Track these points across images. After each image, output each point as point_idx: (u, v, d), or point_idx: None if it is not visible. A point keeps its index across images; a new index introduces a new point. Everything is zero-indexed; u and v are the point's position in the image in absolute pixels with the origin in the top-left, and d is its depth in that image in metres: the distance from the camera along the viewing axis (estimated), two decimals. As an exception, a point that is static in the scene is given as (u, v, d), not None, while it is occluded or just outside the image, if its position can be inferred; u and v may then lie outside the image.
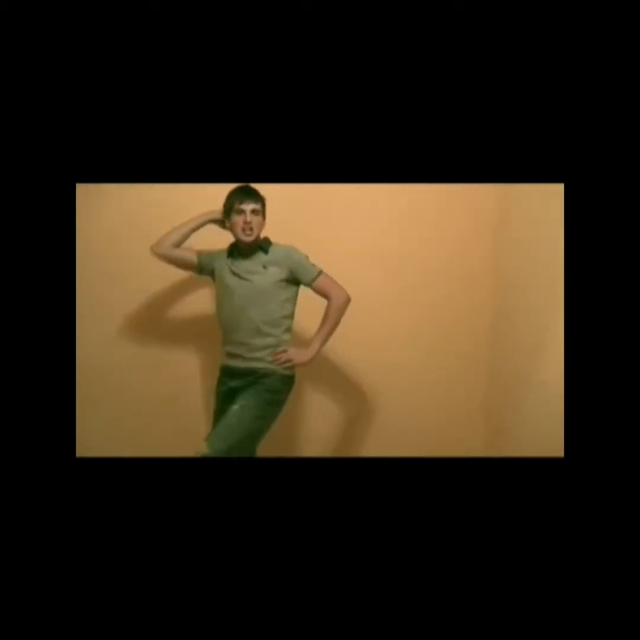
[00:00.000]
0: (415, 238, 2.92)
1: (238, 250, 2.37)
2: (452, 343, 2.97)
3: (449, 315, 2.95)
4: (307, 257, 2.36)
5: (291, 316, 2.38)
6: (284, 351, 2.32)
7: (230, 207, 2.32)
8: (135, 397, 2.75)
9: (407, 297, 2.92)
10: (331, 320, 2.33)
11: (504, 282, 2.86)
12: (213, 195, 2.69)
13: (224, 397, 2.37)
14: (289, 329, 2.38)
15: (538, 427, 2.43)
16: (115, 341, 2.72)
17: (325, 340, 2.34)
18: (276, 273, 2.32)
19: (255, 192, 2.33)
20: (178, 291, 2.76)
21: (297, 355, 2.32)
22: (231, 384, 2.36)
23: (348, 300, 2.34)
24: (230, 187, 2.65)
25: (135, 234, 2.71)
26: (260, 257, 2.34)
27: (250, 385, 2.30)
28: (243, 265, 2.35)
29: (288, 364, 2.31)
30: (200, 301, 2.77)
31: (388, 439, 2.94)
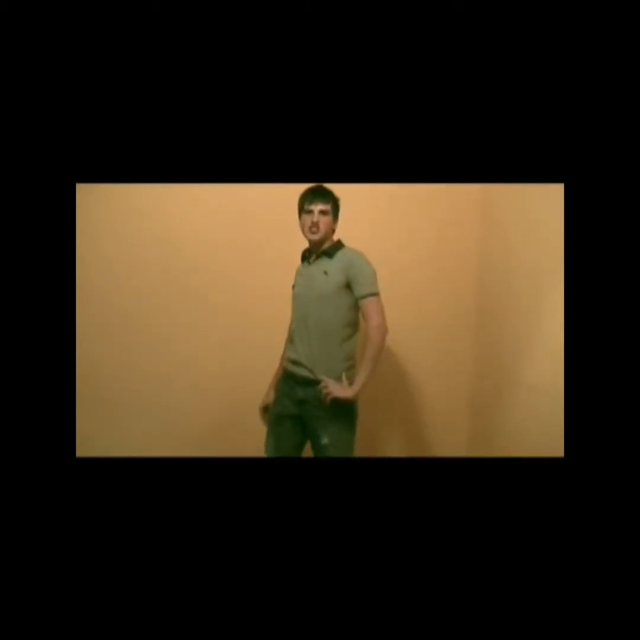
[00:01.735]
0: (397, 237, 2.92)
1: (309, 255, 2.37)
2: (437, 342, 2.98)
3: (433, 314, 2.96)
4: (374, 273, 2.24)
5: (352, 325, 2.28)
6: (325, 386, 2.20)
7: (300, 207, 2.32)
8: (136, 397, 2.75)
9: (392, 296, 2.92)
10: (368, 359, 2.19)
11: (488, 280, 2.87)
12: (213, 195, 2.71)
13: (293, 403, 2.32)
14: (348, 338, 2.28)
15: (523, 425, 2.43)
16: (116, 341, 2.72)
17: (366, 378, 2.19)
18: (337, 278, 2.24)
19: (325, 192, 2.31)
20: (179, 291, 2.76)
21: (337, 390, 2.20)
22: (299, 393, 2.29)
23: (384, 334, 2.20)
24: (228, 187, 2.66)
25: (136, 234, 2.72)
26: (324, 262, 2.29)
27: (315, 398, 2.24)
28: (309, 270, 2.34)
29: (328, 398, 2.19)
30: (202, 301, 2.78)
31: (378, 438, 2.94)
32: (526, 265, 2.47)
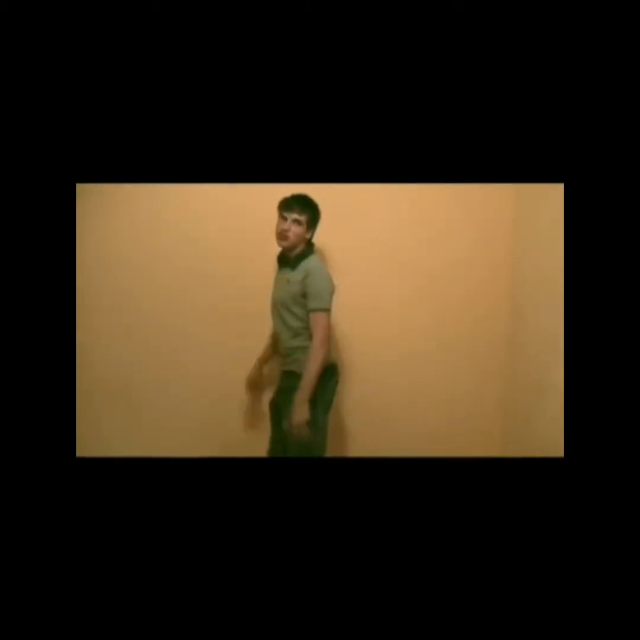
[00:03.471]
0: (432, 238, 2.91)
1: (281, 259, 2.45)
2: (467, 344, 2.96)
3: (464, 316, 2.94)
4: (328, 287, 2.31)
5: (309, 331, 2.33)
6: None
7: (279, 213, 2.39)
8: (135, 397, 2.75)
9: (422, 298, 2.92)
10: (309, 374, 2.24)
11: (520, 283, 2.85)
12: (213, 195, 2.71)
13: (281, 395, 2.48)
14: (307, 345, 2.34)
15: (553, 428, 2.41)
16: (115, 341, 2.72)
17: (305, 395, 2.23)
18: (295, 288, 2.33)
19: (303, 202, 2.37)
20: (179, 291, 2.76)
21: (298, 417, 2.26)
22: (281, 384, 2.50)
23: (326, 350, 2.27)
24: (229, 187, 2.66)
25: (136, 234, 2.72)
26: (288, 271, 2.39)
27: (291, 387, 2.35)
28: (278, 277, 2.46)
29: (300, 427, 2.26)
30: (203, 301, 2.77)
31: (396, 439, 2.93)
32: (558, 268, 2.44)
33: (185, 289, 2.76)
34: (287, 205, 2.36)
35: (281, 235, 2.36)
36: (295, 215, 2.34)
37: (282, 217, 2.37)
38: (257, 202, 2.72)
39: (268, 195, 2.50)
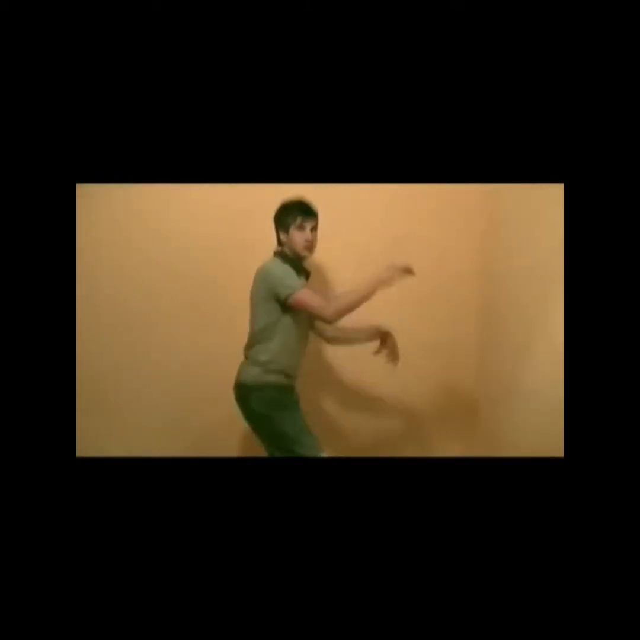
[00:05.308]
0: (403, 238, 2.90)
1: (297, 267, 2.34)
2: (440, 343, 2.96)
3: (437, 316, 2.94)
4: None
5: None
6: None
7: (290, 221, 2.31)
8: (136, 397, 2.75)
9: (395, 298, 2.91)
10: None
11: (492, 282, 2.85)
12: (213, 195, 2.71)
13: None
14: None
15: (527, 427, 2.42)
16: (116, 341, 2.72)
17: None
18: None
19: (314, 210, 2.35)
20: (179, 291, 2.76)
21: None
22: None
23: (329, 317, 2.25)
24: (228, 187, 2.66)
25: (136, 234, 2.72)
26: (304, 280, 2.39)
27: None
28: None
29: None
30: (203, 301, 2.78)
31: (379, 439, 2.94)
32: (530, 268, 2.46)
33: (187, 288, 2.76)
34: (303, 214, 2.30)
35: (309, 247, 2.32)
36: (313, 223, 2.32)
37: (300, 228, 2.30)
38: (258, 202, 2.72)
39: (268, 196, 2.50)
